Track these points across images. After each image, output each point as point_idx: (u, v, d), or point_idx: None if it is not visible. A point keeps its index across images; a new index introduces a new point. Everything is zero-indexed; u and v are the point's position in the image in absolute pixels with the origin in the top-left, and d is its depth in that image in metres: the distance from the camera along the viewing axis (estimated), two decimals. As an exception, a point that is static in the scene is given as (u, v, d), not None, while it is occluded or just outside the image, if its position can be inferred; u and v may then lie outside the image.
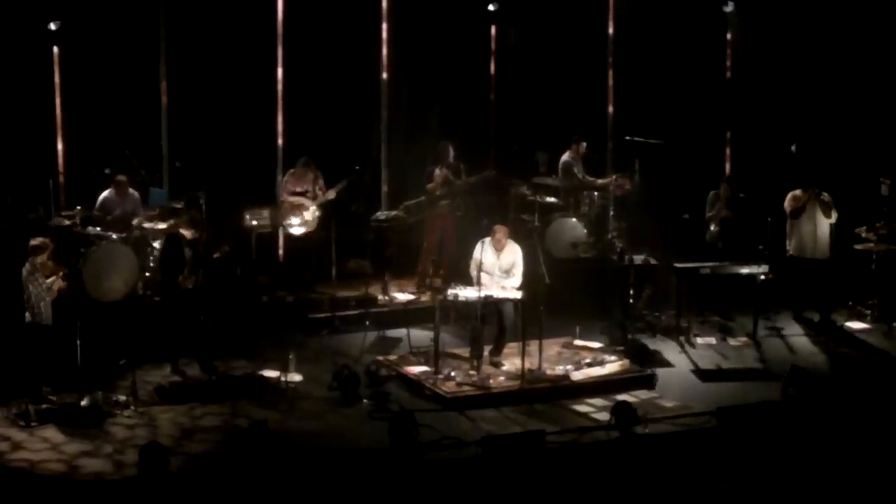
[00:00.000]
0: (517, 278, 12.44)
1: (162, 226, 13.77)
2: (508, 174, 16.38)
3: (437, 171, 14.70)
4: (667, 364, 12.87)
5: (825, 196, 14.16)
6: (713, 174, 14.83)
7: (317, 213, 14.38)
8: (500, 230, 12.50)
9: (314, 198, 14.39)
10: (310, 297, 14.33)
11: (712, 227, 14.59)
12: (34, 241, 11.38)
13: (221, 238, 13.20)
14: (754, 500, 9.99)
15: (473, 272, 12.36)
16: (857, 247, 14.40)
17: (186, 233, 12.38)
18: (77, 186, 14.69)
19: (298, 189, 14.43)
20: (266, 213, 14.41)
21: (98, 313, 12.56)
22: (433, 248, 14.82)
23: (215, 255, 12.66)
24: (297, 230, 14.45)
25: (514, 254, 12.50)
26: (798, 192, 14.22)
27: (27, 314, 11.24)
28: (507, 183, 16.03)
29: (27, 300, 11.21)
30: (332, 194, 14.36)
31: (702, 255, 14.25)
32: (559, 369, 12.23)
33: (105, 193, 13.85)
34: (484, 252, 12.39)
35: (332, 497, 9.72)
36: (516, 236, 12.89)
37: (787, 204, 14.28)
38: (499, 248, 12.46)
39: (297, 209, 14.35)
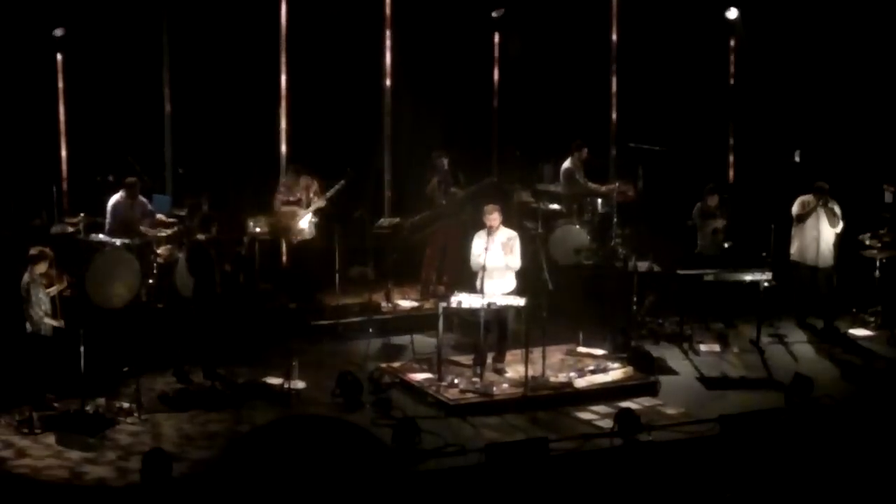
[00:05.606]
0: (515, 259, 12.17)
1: (166, 232, 13.77)
2: (510, 179, 16.37)
3: (432, 182, 14.73)
4: (670, 371, 12.85)
5: (833, 205, 14.07)
6: (717, 180, 14.78)
7: (312, 220, 14.34)
8: (491, 209, 12.13)
9: (307, 205, 14.36)
10: (313, 305, 14.33)
11: (714, 233, 14.39)
12: (34, 251, 11.37)
13: (232, 236, 13.25)
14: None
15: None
16: (861, 254, 14.38)
17: (202, 236, 12.33)
18: (80, 193, 14.71)
19: (291, 198, 14.37)
20: (268, 220, 14.41)
21: (101, 320, 12.56)
22: (436, 256, 14.81)
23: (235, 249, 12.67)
24: (295, 239, 14.43)
25: (510, 239, 12.17)
26: (808, 197, 14.13)
27: (27, 324, 11.24)
28: (508, 189, 16.01)
29: (27, 309, 11.21)
30: (321, 202, 14.29)
31: (704, 262, 14.23)
32: (562, 376, 12.21)
33: (115, 197, 13.83)
34: (481, 247, 12.05)
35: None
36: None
37: (795, 208, 14.17)
38: (492, 228, 12.07)
39: (292, 218, 14.30)
